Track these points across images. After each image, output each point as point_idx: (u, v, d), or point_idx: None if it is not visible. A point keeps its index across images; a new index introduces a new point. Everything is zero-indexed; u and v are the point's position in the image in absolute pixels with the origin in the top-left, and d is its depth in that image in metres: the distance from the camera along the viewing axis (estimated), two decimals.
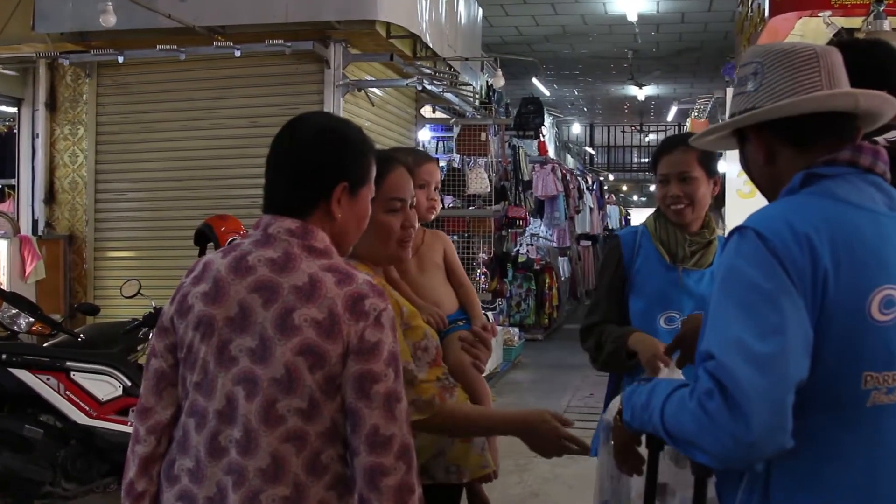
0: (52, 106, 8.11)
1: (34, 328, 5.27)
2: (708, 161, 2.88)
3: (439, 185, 2.88)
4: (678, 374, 2.35)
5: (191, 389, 1.87)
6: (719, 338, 1.58)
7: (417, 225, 2.45)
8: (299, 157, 1.93)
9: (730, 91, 6.89)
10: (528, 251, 13.90)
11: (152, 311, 5.15)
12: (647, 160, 24.32)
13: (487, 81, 11.37)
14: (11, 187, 8.61)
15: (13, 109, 8.52)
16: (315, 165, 1.91)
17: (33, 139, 8.14)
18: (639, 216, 26.70)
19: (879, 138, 2.14)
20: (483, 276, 9.41)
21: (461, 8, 9.34)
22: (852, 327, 1.60)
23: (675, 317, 2.82)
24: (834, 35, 5.35)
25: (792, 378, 1.53)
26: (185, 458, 1.86)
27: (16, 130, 8.46)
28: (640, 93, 19.87)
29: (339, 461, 1.83)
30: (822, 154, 1.73)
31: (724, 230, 7.99)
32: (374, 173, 2.02)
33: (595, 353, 2.89)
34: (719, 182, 2.92)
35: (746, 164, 1.90)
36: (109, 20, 6.32)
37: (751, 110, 1.78)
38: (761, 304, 1.56)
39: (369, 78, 7.96)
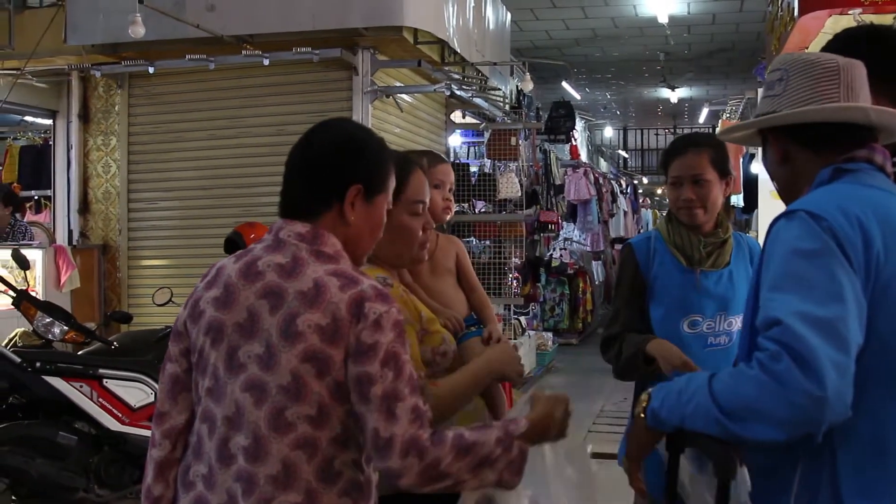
0: (85, 117, 8.21)
1: (68, 336, 5.32)
2: (720, 162, 2.83)
3: (454, 187, 2.88)
4: None
5: (203, 395, 1.86)
6: (782, 309, 1.61)
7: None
8: (316, 157, 1.92)
9: (761, 91, 6.83)
10: (561, 255, 13.82)
11: None
12: None
13: (517, 86, 11.35)
14: (48, 198, 8.74)
15: (49, 121, 8.66)
16: (331, 166, 1.90)
17: (68, 150, 8.25)
18: None
19: None
20: (515, 281, 9.37)
21: (489, 13, 9.32)
22: None
23: (698, 320, 2.79)
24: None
25: (853, 343, 1.58)
26: (200, 464, 1.85)
27: (51, 142, 8.59)
28: (673, 95, 19.78)
29: (353, 466, 1.81)
30: (834, 158, 1.84)
31: (756, 233, 7.90)
32: (392, 184, 2.00)
33: (616, 362, 2.82)
34: (731, 182, 2.86)
35: (767, 163, 2.01)
36: (138, 31, 6.38)
37: (772, 113, 1.89)
38: (818, 276, 1.62)
39: (398, 84, 7.97)
